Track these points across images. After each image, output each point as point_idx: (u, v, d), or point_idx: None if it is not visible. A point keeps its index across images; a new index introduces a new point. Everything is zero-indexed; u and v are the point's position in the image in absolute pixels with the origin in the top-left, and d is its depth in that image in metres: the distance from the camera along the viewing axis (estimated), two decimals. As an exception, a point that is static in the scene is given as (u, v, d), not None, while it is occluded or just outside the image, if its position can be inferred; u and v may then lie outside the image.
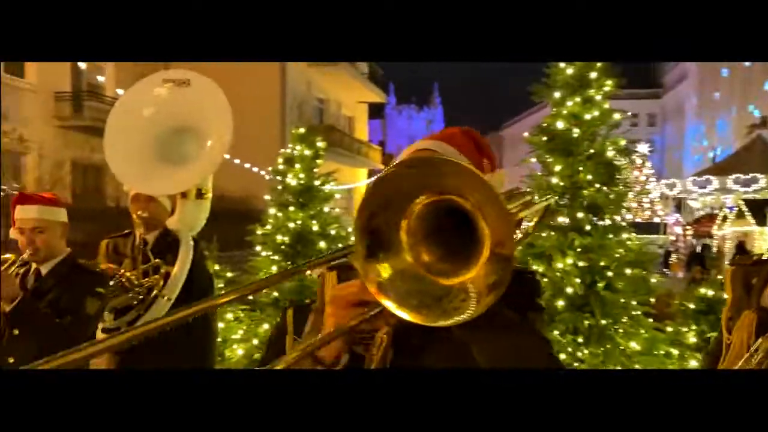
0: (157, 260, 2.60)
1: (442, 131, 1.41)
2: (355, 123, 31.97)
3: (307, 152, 5.04)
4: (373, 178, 0.89)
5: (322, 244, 5.07)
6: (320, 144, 5.12)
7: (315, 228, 5.08)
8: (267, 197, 5.14)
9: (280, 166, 5.06)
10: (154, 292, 2.54)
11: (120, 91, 16.57)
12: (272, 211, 5.16)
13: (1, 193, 9.04)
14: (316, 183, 4.98)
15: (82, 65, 18.83)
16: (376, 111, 47.00)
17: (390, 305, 0.90)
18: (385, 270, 0.91)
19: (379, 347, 1.18)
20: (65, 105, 18.31)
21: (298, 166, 5.03)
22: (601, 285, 4.15)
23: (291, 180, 5.05)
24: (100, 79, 20.29)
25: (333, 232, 5.03)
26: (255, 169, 15.76)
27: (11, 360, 2.33)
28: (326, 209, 5.02)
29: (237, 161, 14.13)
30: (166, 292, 2.52)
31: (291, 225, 5.12)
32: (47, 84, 17.54)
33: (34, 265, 2.60)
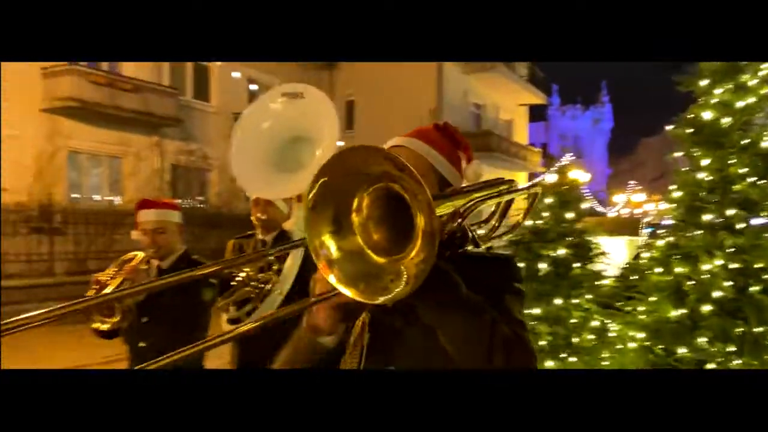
0: (272, 258, 2.86)
1: (416, 129, 1.44)
2: (514, 126, 31.41)
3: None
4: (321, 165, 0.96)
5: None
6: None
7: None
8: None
9: None
10: (269, 286, 2.80)
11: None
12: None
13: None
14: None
15: (253, 87, 20.53)
16: (538, 113, 45.96)
17: (333, 280, 0.97)
18: (334, 249, 0.97)
19: (360, 329, 1.27)
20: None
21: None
22: (755, 288, 3.75)
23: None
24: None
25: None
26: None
27: (142, 344, 2.74)
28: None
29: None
30: (279, 287, 2.77)
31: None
32: (226, 106, 19.41)
33: (155, 262, 2.99)
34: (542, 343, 3.83)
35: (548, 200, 4.02)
